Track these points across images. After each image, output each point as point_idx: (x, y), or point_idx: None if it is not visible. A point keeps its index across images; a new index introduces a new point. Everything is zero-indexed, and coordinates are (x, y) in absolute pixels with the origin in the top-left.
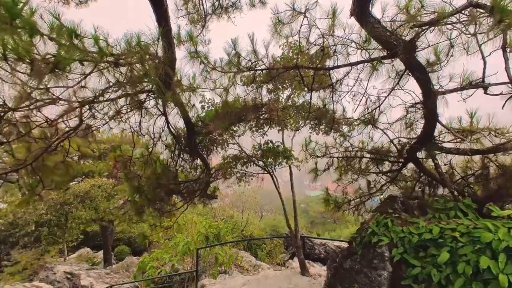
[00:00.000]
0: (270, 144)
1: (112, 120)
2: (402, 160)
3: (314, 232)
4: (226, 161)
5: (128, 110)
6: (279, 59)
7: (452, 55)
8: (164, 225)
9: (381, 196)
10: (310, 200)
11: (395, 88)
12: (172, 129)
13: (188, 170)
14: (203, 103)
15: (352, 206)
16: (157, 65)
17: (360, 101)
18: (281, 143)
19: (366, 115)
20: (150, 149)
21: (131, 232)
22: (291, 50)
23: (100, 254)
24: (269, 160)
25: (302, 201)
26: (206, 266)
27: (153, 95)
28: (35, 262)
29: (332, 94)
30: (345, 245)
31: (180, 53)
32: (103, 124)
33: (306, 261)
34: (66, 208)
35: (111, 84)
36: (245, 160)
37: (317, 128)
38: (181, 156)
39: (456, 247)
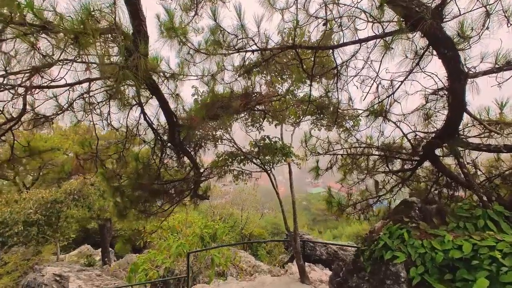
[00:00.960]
0: (267, 140)
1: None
2: (417, 158)
3: (315, 230)
4: (221, 158)
5: (96, 99)
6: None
7: (487, 28)
8: (148, 230)
9: (391, 198)
10: (311, 197)
11: (414, 71)
12: (150, 121)
13: (176, 168)
14: (196, 96)
15: (358, 209)
16: (117, 37)
17: (370, 87)
18: (279, 139)
19: (376, 105)
20: (126, 144)
21: (131, 229)
22: (290, 38)
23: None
24: (266, 157)
25: (304, 198)
26: (201, 268)
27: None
28: (24, 263)
29: (337, 80)
30: (349, 248)
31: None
32: (57, 114)
33: (306, 264)
34: (57, 207)
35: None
36: (241, 157)
37: (318, 123)
38: (165, 153)
39: (498, 272)
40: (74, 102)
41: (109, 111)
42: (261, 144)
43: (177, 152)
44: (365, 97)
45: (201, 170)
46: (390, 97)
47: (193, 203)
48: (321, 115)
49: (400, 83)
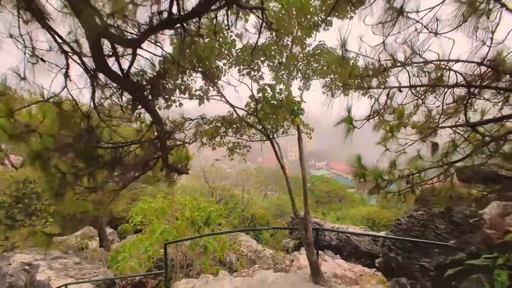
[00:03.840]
0: (268, 91)
1: None
2: None
3: (319, 212)
4: (211, 125)
5: None
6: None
7: None
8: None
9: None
10: (315, 180)
11: None
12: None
13: (136, 127)
14: None
15: (409, 185)
16: None
17: None
18: (284, 88)
19: None
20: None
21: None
22: None
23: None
24: (267, 116)
25: (307, 180)
26: (194, 256)
27: None
28: None
29: None
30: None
31: None
32: None
33: None
34: (29, 188)
35: None
36: (237, 125)
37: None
38: (99, 91)
39: None
40: None
41: None
42: (260, 98)
43: (120, 93)
44: None
45: (168, 128)
46: None
47: (168, 179)
48: None
49: None
